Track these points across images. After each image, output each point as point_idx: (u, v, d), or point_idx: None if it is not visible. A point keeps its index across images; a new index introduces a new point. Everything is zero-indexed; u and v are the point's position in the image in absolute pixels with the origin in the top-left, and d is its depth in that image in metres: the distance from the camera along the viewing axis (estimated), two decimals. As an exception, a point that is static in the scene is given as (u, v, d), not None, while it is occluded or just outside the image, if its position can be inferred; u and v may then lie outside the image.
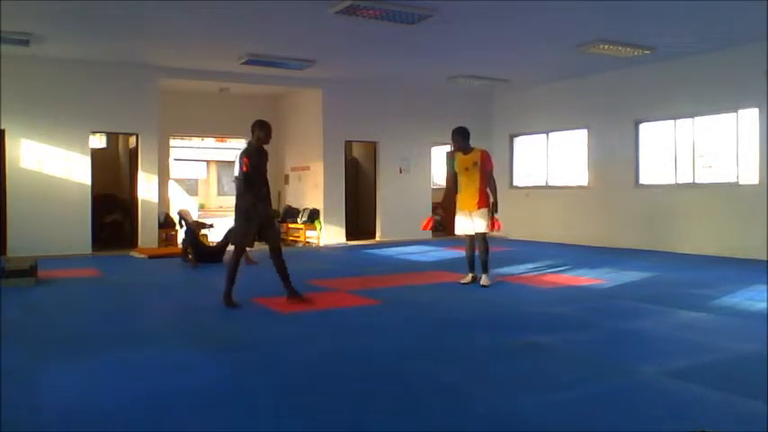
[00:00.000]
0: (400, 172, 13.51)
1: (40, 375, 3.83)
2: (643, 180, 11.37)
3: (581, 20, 8.29)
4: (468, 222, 7.05)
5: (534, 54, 10.38)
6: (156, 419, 3.12)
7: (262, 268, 8.36)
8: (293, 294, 6.04)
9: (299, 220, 13.10)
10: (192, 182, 31.75)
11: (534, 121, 13.43)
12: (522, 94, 13.59)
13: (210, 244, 10.41)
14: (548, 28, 8.67)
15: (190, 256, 9.21)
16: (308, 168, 13.23)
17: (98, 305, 6.34)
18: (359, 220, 14.26)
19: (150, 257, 10.07)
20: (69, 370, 3.99)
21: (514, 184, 14.06)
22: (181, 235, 10.81)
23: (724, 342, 4.59)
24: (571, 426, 3.03)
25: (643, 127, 11.36)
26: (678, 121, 10.71)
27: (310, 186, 13.28)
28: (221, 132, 16.82)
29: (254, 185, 5.84)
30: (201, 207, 27.24)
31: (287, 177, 14.25)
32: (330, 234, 12.79)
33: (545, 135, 13.34)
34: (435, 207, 13.90)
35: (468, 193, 7.03)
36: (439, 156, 14.95)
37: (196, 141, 27.91)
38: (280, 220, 6.32)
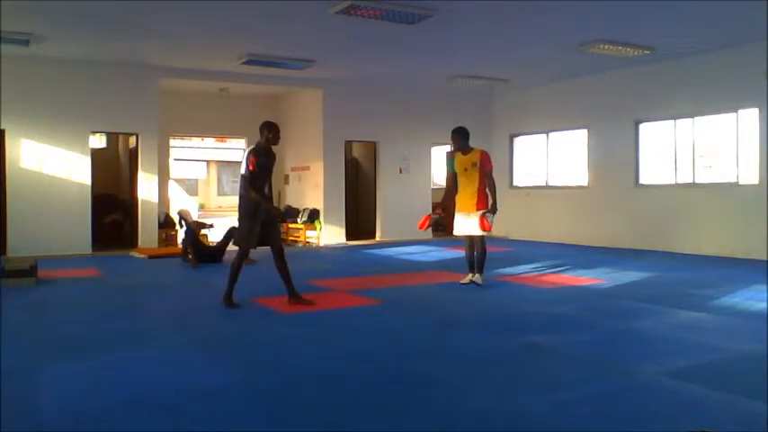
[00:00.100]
0: (400, 172, 13.51)
1: (39, 375, 3.83)
2: (643, 180, 11.37)
3: (581, 20, 8.29)
4: (467, 223, 7.01)
5: (534, 54, 10.38)
6: (156, 419, 3.12)
7: (262, 268, 8.36)
8: (294, 295, 6.04)
9: (299, 220, 13.10)
10: (192, 182, 31.73)
11: (534, 121, 13.43)
12: (522, 94, 13.59)
13: (210, 244, 10.42)
14: (548, 28, 8.68)
15: (190, 256, 9.21)
16: (308, 168, 13.23)
17: (98, 305, 6.34)
18: (359, 220, 14.26)
19: (150, 257, 10.07)
20: (69, 370, 3.99)
21: (514, 184, 14.06)
22: (181, 235, 10.81)
23: (724, 342, 4.59)
24: (571, 426, 3.03)
25: (643, 127, 11.36)
26: (678, 121, 10.71)
27: (310, 186, 13.28)
28: (221, 132, 16.84)
29: (259, 184, 5.84)
30: (201, 207, 27.23)
31: (287, 177, 14.25)
32: (330, 234, 12.79)
33: (545, 135, 13.34)
34: (435, 207, 13.89)
35: (466, 193, 7.01)
36: (439, 156, 14.95)
37: (196, 141, 27.91)
38: (281, 219, 6.29)
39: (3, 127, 10.15)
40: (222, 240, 9.45)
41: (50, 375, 3.86)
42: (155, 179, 11.44)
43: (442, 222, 13.70)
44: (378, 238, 13.26)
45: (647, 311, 5.71)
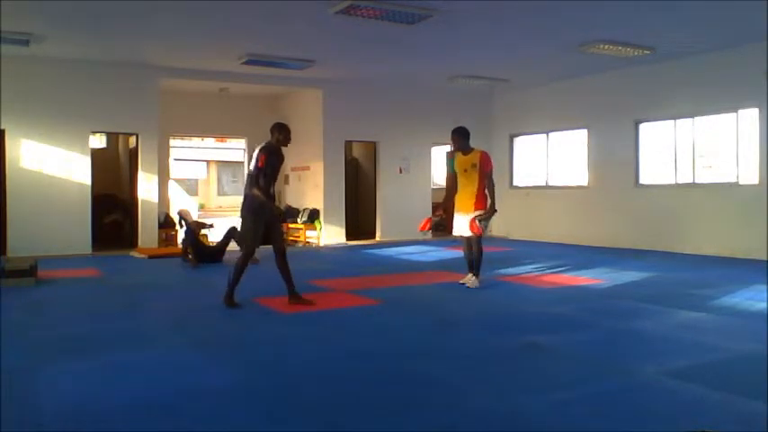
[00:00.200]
0: (400, 172, 13.51)
1: (39, 375, 3.83)
2: (643, 180, 11.38)
3: (581, 20, 8.29)
4: (464, 223, 6.98)
5: (534, 54, 10.38)
6: (156, 419, 3.12)
7: (262, 268, 8.36)
8: (294, 295, 6.03)
9: (299, 220, 13.10)
10: (192, 182, 31.73)
11: (534, 121, 13.44)
12: (522, 94, 13.60)
13: (210, 244, 10.42)
14: (548, 28, 8.68)
15: (190, 256, 9.20)
16: (308, 168, 13.23)
17: (98, 305, 6.34)
18: (359, 220, 14.26)
19: (150, 257, 10.07)
20: (69, 370, 3.99)
21: (514, 184, 14.06)
22: (181, 235, 10.81)
23: (724, 342, 4.59)
24: (571, 426, 3.03)
25: (643, 127, 11.37)
26: (678, 121, 10.71)
27: (310, 186, 13.28)
28: (221, 132, 16.84)
29: (265, 183, 5.83)
30: (201, 207, 27.23)
31: (287, 177, 14.25)
32: (330, 234, 12.79)
33: (545, 135, 13.35)
34: (436, 208, 13.89)
35: (466, 193, 6.96)
36: (439, 156, 14.95)
37: (196, 141, 27.90)
38: (282, 219, 6.27)
39: (3, 127, 10.15)
40: (222, 240, 9.45)
41: (50, 375, 3.86)
42: (155, 179, 11.44)
43: (442, 223, 13.71)
44: (378, 238, 13.26)
45: (647, 311, 5.71)
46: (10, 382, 3.66)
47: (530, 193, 13.55)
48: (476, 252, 6.97)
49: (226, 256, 9.34)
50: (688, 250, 10.24)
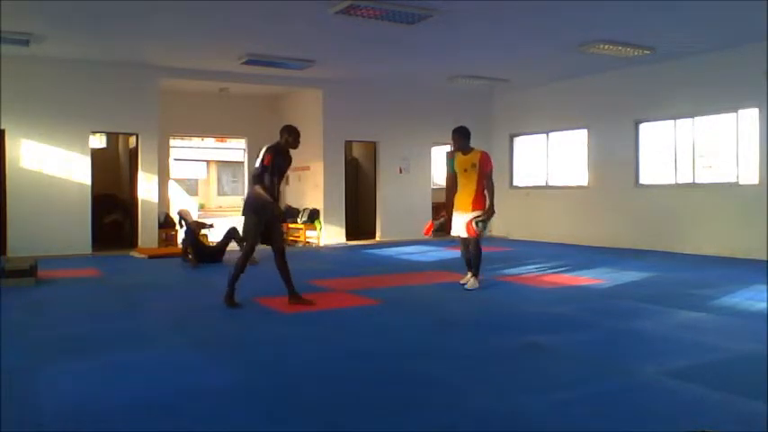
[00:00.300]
0: (400, 172, 13.52)
1: (39, 375, 3.83)
2: (643, 180, 11.38)
3: (581, 20, 8.30)
4: (463, 223, 6.92)
5: (534, 54, 10.38)
6: (156, 419, 3.12)
7: (263, 268, 8.36)
8: (294, 295, 6.03)
9: (299, 220, 13.10)
10: (192, 182, 31.73)
11: (534, 121, 13.44)
12: (522, 94, 13.60)
13: (210, 244, 10.42)
14: (548, 28, 8.68)
15: (190, 256, 9.20)
16: (308, 168, 13.24)
17: (98, 305, 6.34)
18: (359, 220, 14.26)
19: (150, 257, 10.07)
20: (69, 370, 3.99)
21: (514, 184, 14.07)
22: (181, 235, 10.81)
23: (724, 342, 4.59)
24: (571, 426, 3.03)
25: (643, 127, 11.37)
26: (678, 121, 10.71)
27: (310, 186, 13.28)
28: (221, 132, 16.85)
29: (269, 183, 5.80)
30: (201, 207, 27.22)
31: (287, 177, 14.23)
32: (330, 234, 12.79)
33: (545, 135, 13.35)
34: (440, 210, 13.89)
35: (464, 194, 6.92)
36: (439, 156, 14.95)
37: (196, 141, 27.91)
38: (282, 219, 6.25)
39: (3, 127, 10.15)
40: (222, 240, 9.45)
41: (50, 375, 3.86)
42: (155, 179, 11.44)
43: (444, 224, 13.70)
44: (378, 238, 13.26)
45: (647, 311, 5.71)
46: (10, 382, 3.66)
47: (530, 193, 13.56)
48: (474, 253, 6.92)
49: (226, 256, 9.34)
50: (688, 250, 10.24)
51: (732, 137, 9.96)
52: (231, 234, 9.23)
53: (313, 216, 12.86)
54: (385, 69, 11.64)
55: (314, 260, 10.18)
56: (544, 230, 12.95)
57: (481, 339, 4.82)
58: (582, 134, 12.48)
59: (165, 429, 3.00)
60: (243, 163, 15.00)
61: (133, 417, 3.15)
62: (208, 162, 33.29)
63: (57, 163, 10.53)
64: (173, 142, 14.32)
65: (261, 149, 5.95)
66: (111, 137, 13.60)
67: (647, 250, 10.71)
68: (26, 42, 9.01)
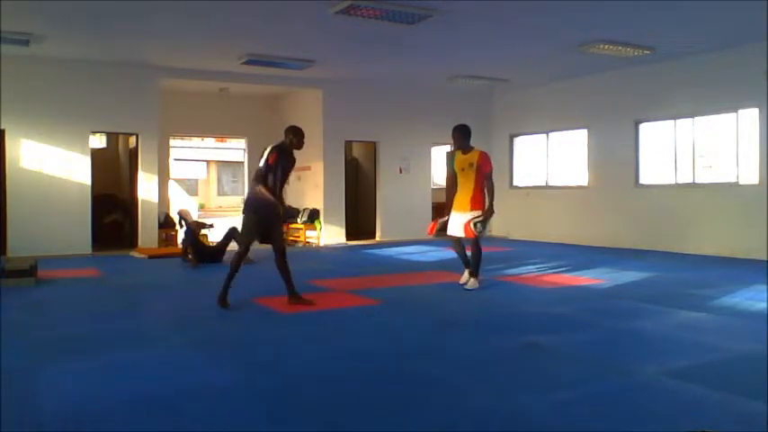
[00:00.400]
0: (400, 172, 13.52)
1: (39, 375, 3.83)
2: (643, 180, 11.38)
3: (581, 20, 8.30)
4: (461, 223, 6.88)
5: (534, 54, 10.38)
6: (156, 419, 3.12)
7: (262, 268, 8.36)
8: (294, 295, 6.02)
9: (298, 220, 13.10)
10: (192, 182, 31.73)
11: (534, 121, 13.44)
12: (522, 94, 13.60)
13: (210, 244, 10.42)
14: (548, 28, 8.68)
15: (190, 256, 9.20)
16: (308, 168, 13.23)
17: (98, 305, 6.34)
18: (359, 220, 14.26)
19: (150, 257, 10.07)
20: (69, 370, 3.99)
21: (514, 184, 14.07)
22: (181, 235, 10.81)
23: (724, 342, 4.59)
24: (571, 426, 3.03)
25: (643, 127, 11.37)
26: (678, 121, 10.72)
27: (310, 186, 13.28)
28: (221, 132, 16.84)
29: (273, 183, 5.77)
30: (201, 207, 27.22)
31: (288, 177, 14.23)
32: (330, 234, 12.79)
33: (545, 135, 13.35)
34: (440, 209, 13.88)
35: (463, 193, 6.87)
36: (439, 156, 14.95)
37: (196, 141, 27.91)
38: (284, 219, 6.19)
39: (3, 127, 10.15)
40: (222, 240, 9.45)
41: (50, 375, 3.86)
42: (155, 179, 11.44)
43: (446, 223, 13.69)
44: (378, 238, 13.26)
45: (647, 311, 5.71)
46: (10, 382, 3.66)
47: (530, 193, 13.56)
48: (474, 253, 6.89)
49: (226, 257, 9.34)
50: (688, 250, 10.24)
51: (732, 137, 9.96)
52: (231, 234, 9.23)
53: (313, 216, 12.86)
54: (385, 69, 11.64)
55: (314, 260, 10.18)
56: (544, 230, 12.95)
57: (481, 339, 4.82)
58: (582, 134, 12.48)
59: (165, 429, 3.00)
60: (243, 163, 15.00)
61: (133, 417, 3.15)
62: (208, 162, 33.29)
63: (57, 163, 10.53)
64: (173, 142, 14.32)
65: (264, 149, 5.90)
66: (111, 137, 13.61)
67: (647, 250, 10.71)
68: (26, 42, 9.01)
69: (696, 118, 10.46)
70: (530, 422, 3.08)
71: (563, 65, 11.18)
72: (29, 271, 7.37)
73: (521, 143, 14.13)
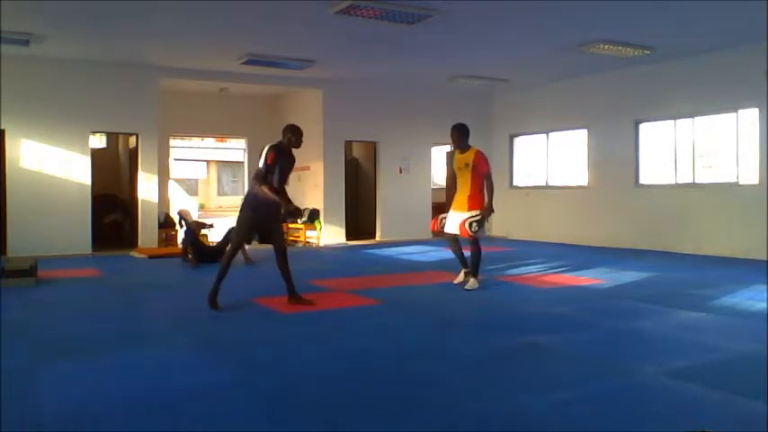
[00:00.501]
0: (400, 172, 13.52)
1: (39, 375, 3.83)
2: (643, 180, 11.38)
3: (581, 20, 8.29)
4: (457, 222, 6.84)
5: (534, 54, 10.38)
6: (156, 419, 3.12)
7: (262, 268, 8.38)
8: (294, 295, 6.02)
9: (298, 220, 13.09)
10: (192, 182, 31.74)
11: (534, 121, 13.44)
12: (522, 94, 13.60)
13: (210, 244, 10.41)
14: (548, 28, 8.68)
15: (190, 256, 9.20)
16: (308, 168, 13.23)
17: (98, 305, 6.34)
18: (359, 220, 14.26)
19: (150, 257, 10.07)
20: (69, 370, 3.99)
21: (514, 184, 14.07)
22: (181, 235, 10.81)
23: (724, 342, 4.59)
24: (571, 426, 3.03)
25: (643, 127, 11.37)
26: (678, 121, 10.72)
27: (310, 186, 13.28)
28: (221, 132, 16.84)
29: (272, 182, 5.74)
30: (201, 207, 27.23)
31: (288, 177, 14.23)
32: (330, 234, 12.79)
33: (545, 135, 13.35)
34: (441, 208, 13.88)
35: (460, 193, 6.87)
36: (439, 156, 14.95)
37: (196, 141, 27.91)
38: (298, 216, 6.13)
39: (3, 127, 10.15)
40: (222, 240, 9.45)
41: (50, 375, 3.86)
42: (155, 179, 11.44)
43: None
44: (378, 238, 13.27)
45: (647, 311, 5.71)
46: (10, 382, 3.66)
47: (530, 193, 13.56)
48: (474, 253, 6.88)
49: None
50: (688, 250, 10.24)
51: (732, 137, 9.97)
52: (231, 234, 9.22)
53: (313, 216, 12.86)
54: (385, 69, 11.64)
55: (314, 260, 10.18)
56: (544, 230, 12.95)
57: (481, 339, 4.82)
58: (582, 134, 12.48)
59: (164, 429, 3.00)
60: (243, 163, 15.00)
61: (133, 417, 3.15)
62: (208, 162, 33.30)
63: (57, 163, 10.52)
64: (173, 142, 14.32)
65: (263, 149, 5.87)
66: (111, 137, 13.61)
67: (647, 250, 10.71)
68: (26, 42, 9.01)
69: (696, 118, 10.46)
70: (530, 422, 3.08)
71: (563, 65, 11.18)
72: (29, 271, 7.37)
73: (521, 143, 14.13)
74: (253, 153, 13.61)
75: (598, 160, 12.11)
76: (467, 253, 7.03)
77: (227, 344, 4.73)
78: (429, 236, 13.20)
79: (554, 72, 11.97)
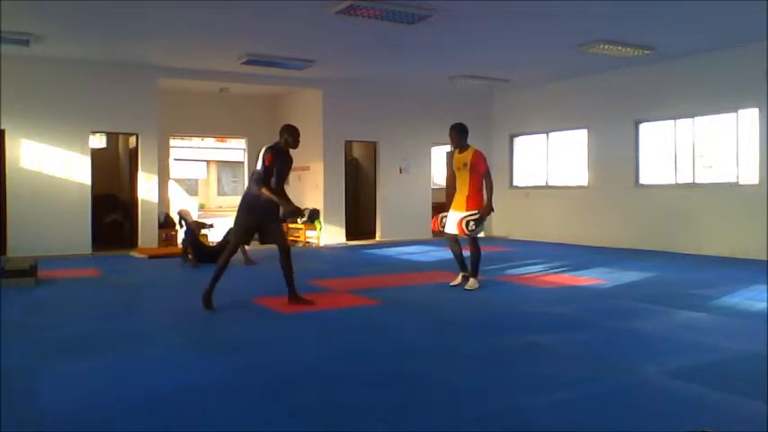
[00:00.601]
0: (400, 172, 13.52)
1: (39, 375, 3.83)
2: (643, 180, 11.38)
3: (581, 20, 8.29)
4: (455, 222, 6.83)
5: (534, 54, 10.39)
6: (156, 419, 3.11)
7: (261, 268, 8.38)
8: (294, 296, 6.01)
9: (298, 220, 13.07)
10: (192, 182, 31.73)
11: (534, 121, 13.44)
12: (522, 94, 13.60)
13: (210, 244, 10.41)
14: (548, 28, 8.68)
15: (190, 256, 9.20)
16: (308, 168, 13.24)
17: (98, 305, 6.34)
18: (359, 220, 14.26)
19: (150, 257, 10.07)
20: (69, 370, 3.99)
21: (514, 184, 14.06)
22: (181, 235, 10.81)
23: (724, 342, 4.59)
24: (571, 426, 3.03)
25: (643, 127, 11.37)
26: (678, 121, 10.72)
27: (310, 186, 13.28)
28: (221, 132, 16.82)
29: (271, 183, 5.73)
30: (201, 207, 27.23)
31: (287, 177, 14.22)
32: (330, 234, 12.79)
33: (545, 135, 13.35)
34: (440, 208, 13.87)
35: (459, 192, 6.87)
36: (439, 156, 14.95)
37: (196, 141, 27.89)
38: (300, 216, 6.08)
39: (3, 127, 10.15)
40: (222, 240, 9.44)
41: (50, 375, 3.86)
42: (155, 179, 11.44)
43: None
44: (378, 238, 13.26)
45: (647, 311, 5.71)
46: (10, 382, 3.66)
47: (530, 193, 13.55)
48: (473, 253, 6.88)
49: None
50: (688, 250, 10.24)
51: (732, 137, 9.97)
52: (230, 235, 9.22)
53: (313, 216, 12.86)
54: (385, 69, 11.64)
55: (314, 260, 10.18)
56: (544, 230, 12.95)
57: (481, 339, 4.82)
58: (582, 134, 12.49)
59: (164, 429, 3.00)
60: (243, 163, 15.00)
61: (133, 417, 3.15)
62: (208, 162, 33.28)
63: (57, 163, 10.53)
64: (173, 142, 14.31)
65: (260, 150, 5.86)
66: (111, 137, 13.61)
67: (647, 250, 10.71)
68: (26, 42, 9.01)
69: (696, 118, 10.46)
70: (530, 422, 3.08)
71: (563, 65, 11.19)
72: (29, 271, 7.37)
73: (521, 143, 14.13)
74: (253, 153, 13.60)
75: (598, 160, 12.11)
76: (467, 253, 7.03)
77: (226, 344, 4.73)
78: (429, 236, 13.21)
79: (554, 72, 11.97)
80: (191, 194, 23.49)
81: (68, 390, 3.61)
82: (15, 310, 5.90)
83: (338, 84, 12.51)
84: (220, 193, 34.45)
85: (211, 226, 10.71)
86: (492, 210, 6.83)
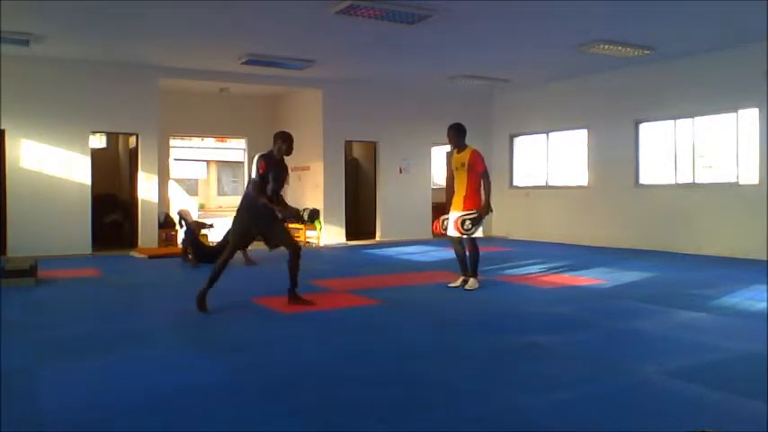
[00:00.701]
0: (400, 172, 13.52)
1: (39, 375, 3.83)
2: (643, 180, 11.38)
3: (581, 20, 8.29)
4: (453, 222, 6.83)
5: (534, 54, 10.39)
6: (155, 419, 3.12)
7: (261, 268, 8.37)
8: (294, 296, 6.01)
9: (299, 220, 13.10)
10: (192, 182, 31.73)
11: (534, 121, 13.44)
12: (522, 94, 13.60)
13: (210, 244, 10.41)
14: (548, 28, 8.68)
15: (190, 256, 9.21)
16: (308, 168, 13.24)
17: (98, 305, 6.34)
18: (359, 220, 14.26)
19: (150, 257, 10.07)
20: (69, 370, 3.99)
21: (514, 184, 14.06)
22: (181, 235, 10.81)
23: (724, 342, 4.59)
24: (571, 426, 3.03)
25: (643, 127, 11.37)
26: (678, 121, 10.72)
27: (310, 186, 13.28)
28: (221, 132, 16.82)
29: (266, 191, 5.69)
30: (201, 207, 27.23)
31: (287, 177, 14.22)
32: (330, 234, 12.79)
33: (545, 135, 13.35)
34: (441, 208, 13.86)
35: (457, 193, 6.87)
36: (439, 156, 14.95)
37: (196, 141, 27.88)
38: (297, 219, 6.06)
39: (3, 127, 10.15)
40: (222, 240, 9.43)
41: (50, 375, 3.86)
42: (155, 179, 11.44)
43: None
44: (378, 238, 13.26)
45: (647, 311, 5.71)
46: (10, 382, 3.66)
47: (530, 193, 13.55)
48: (472, 253, 6.88)
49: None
50: (688, 250, 10.24)
51: (732, 137, 9.97)
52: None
53: (313, 216, 12.86)
54: (385, 69, 11.64)
55: (314, 260, 10.16)
56: (544, 230, 12.95)
57: (481, 339, 4.82)
58: (582, 134, 12.49)
59: (164, 429, 3.00)
60: (243, 163, 15.00)
61: (133, 417, 3.15)
62: (208, 162, 33.28)
63: (57, 163, 10.53)
64: (173, 142, 14.31)
65: (253, 158, 5.80)
66: (111, 137, 13.60)
67: (647, 250, 10.71)
68: (26, 42, 9.01)
69: (696, 118, 10.46)
70: (530, 422, 3.08)
71: (563, 65, 11.19)
72: (29, 271, 7.37)
73: (521, 143, 14.13)
74: (253, 153, 13.53)
75: (598, 160, 12.11)
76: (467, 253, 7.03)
77: (226, 344, 4.73)
78: (429, 236, 13.20)
79: (554, 72, 11.97)
80: (191, 194, 23.49)
81: (68, 390, 3.61)
82: (15, 310, 5.90)
83: (338, 84, 12.51)
84: (220, 193, 34.44)
85: (211, 226, 10.71)
86: (491, 210, 6.81)
